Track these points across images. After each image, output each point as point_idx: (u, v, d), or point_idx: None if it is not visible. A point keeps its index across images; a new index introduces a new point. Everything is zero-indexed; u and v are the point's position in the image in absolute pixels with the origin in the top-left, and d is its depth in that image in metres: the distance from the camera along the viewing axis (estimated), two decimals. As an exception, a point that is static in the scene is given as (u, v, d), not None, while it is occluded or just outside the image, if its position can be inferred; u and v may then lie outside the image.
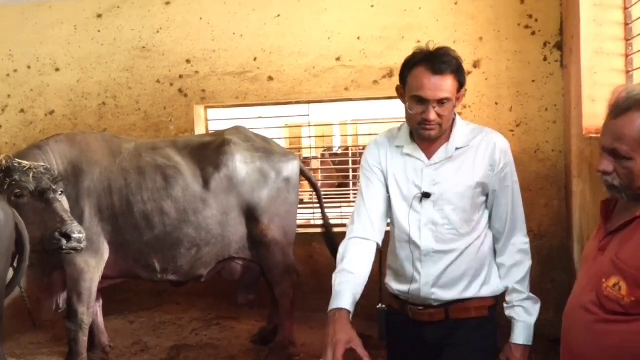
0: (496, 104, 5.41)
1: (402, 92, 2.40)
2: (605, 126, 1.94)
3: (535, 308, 2.41)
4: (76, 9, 5.97)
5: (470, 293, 2.42)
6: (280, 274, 4.92)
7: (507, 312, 2.42)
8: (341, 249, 2.38)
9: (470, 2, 5.56)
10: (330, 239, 5.11)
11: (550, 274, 5.20)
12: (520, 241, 2.47)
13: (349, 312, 2.14)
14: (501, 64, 5.50)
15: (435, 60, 2.28)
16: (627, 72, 4.50)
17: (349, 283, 2.22)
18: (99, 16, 5.93)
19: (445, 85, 2.27)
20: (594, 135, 4.38)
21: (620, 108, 1.85)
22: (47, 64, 6.00)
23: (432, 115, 2.28)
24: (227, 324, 5.39)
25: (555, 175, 5.39)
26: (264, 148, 4.99)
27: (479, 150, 2.41)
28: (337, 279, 2.25)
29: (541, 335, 4.61)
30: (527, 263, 2.45)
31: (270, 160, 4.87)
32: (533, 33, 5.47)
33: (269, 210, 4.80)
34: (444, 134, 2.38)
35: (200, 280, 4.77)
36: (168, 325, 5.33)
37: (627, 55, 4.55)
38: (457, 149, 2.40)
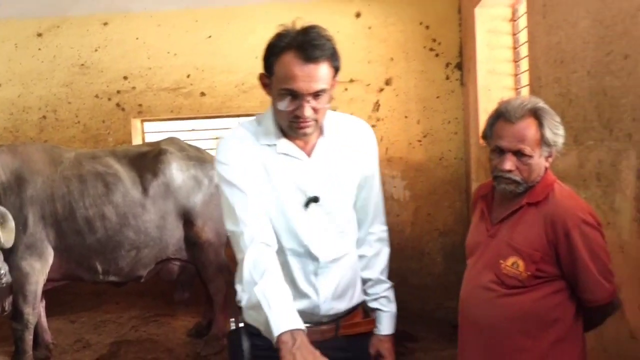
0: (405, 117, 5.84)
1: (267, 81, 1.96)
2: (501, 131, 2.14)
3: (393, 295, 2.21)
4: (17, 27, 6.07)
5: (356, 299, 2.12)
6: (213, 272, 5.11)
7: (372, 305, 2.18)
8: (251, 255, 1.82)
9: (382, 27, 5.98)
10: None
11: (454, 267, 5.52)
12: (379, 229, 2.21)
13: (304, 331, 1.65)
14: (410, 82, 5.92)
15: (308, 45, 1.84)
16: (516, 89, 5.08)
17: (287, 298, 1.74)
18: (39, 35, 6.05)
19: (320, 74, 1.84)
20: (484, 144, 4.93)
21: (516, 116, 2.10)
22: (-12, 80, 6.07)
23: (308, 112, 1.87)
24: (164, 320, 5.56)
25: (457, 180, 5.85)
26: (197, 157, 5.18)
27: (355, 141, 2.09)
28: (274, 294, 1.71)
29: (446, 320, 5.08)
30: (386, 250, 2.23)
31: (203, 168, 5.08)
32: (437, 55, 5.93)
33: (203, 214, 4.99)
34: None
35: (140, 280, 4.91)
36: (108, 323, 5.46)
37: (515, 75, 5.13)
38: (333, 141, 2.04)
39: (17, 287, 4.41)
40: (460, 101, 5.89)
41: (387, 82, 6.00)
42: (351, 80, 5.93)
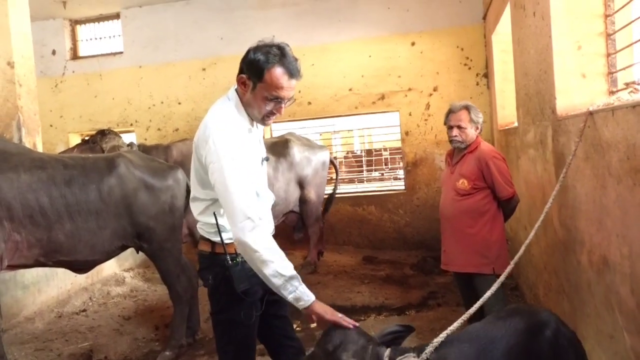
0: (448, 113, 7.14)
1: (249, 82, 2.12)
2: (450, 117, 3.50)
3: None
4: (189, 65, 7.87)
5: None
6: (313, 221, 6.39)
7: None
8: (270, 242, 2.03)
9: (430, 51, 7.22)
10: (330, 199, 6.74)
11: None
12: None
13: None
14: (450, 88, 7.15)
15: (291, 64, 2.08)
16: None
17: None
18: (204, 69, 7.87)
19: (294, 87, 2.13)
20: (503, 129, 6.09)
21: (456, 109, 3.49)
22: None
23: (282, 111, 2.17)
24: (288, 252, 7.10)
25: (487, 155, 7.04)
26: (308, 144, 6.42)
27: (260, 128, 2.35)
28: (300, 279, 2.03)
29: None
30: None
31: (311, 152, 6.28)
32: (469, 68, 7.14)
33: (310, 182, 6.22)
34: None
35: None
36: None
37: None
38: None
39: None
40: (487, 100, 7.03)
41: (435, 89, 7.28)
42: (409, 89, 7.33)
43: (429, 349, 1.91)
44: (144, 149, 5.85)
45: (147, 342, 4.58)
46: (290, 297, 2.02)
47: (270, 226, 2.30)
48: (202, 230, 2.31)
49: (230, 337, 2.27)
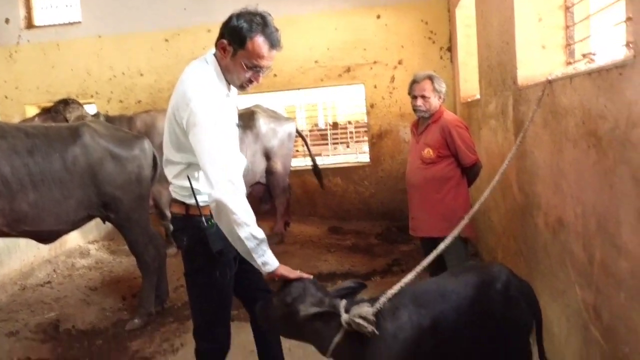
0: (412, 86, 7.22)
1: (229, 48, 2.12)
2: (414, 87, 3.56)
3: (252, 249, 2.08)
4: (151, 36, 7.68)
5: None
6: (280, 192, 6.41)
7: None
8: (247, 205, 2.07)
9: (395, 25, 7.26)
10: (317, 172, 6.84)
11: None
12: None
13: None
14: (415, 61, 7.21)
15: (272, 34, 2.10)
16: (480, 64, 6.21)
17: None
18: (166, 40, 7.71)
19: (274, 57, 2.14)
20: (466, 101, 6.22)
21: (420, 79, 3.55)
22: None
23: (260, 80, 2.18)
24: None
25: (449, 128, 7.19)
26: (274, 116, 6.40)
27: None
28: (266, 241, 2.09)
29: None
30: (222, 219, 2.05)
31: (278, 123, 6.27)
32: (433, 42, 7.22)
33: (276, 153, 6.24)
34: None
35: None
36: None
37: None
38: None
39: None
40: (451, 74, 7.11)
41: (400, 62, 7.35)
42: (375, 62, 7.39)
43: (383, 299, 2.01)
44: (107, 119, 5.74)
45: (114, 311, 4.57)
46: (259, 261, 2.06)
47: (243, 189, 2.34)
48: (175, 193, 2.32)
49: (206, 298, 2.31)
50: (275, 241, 6.42)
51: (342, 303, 2.03)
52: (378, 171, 7.55)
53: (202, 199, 2.21)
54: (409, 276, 2.14)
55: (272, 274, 2.09)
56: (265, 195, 6.72)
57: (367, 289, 2.23)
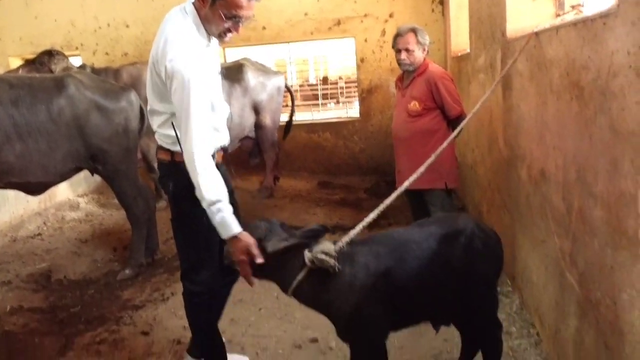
0: (403, 40, 7.13)
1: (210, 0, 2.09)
2: (398, 41, 3.52)
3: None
4: None
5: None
6: (268, 146, 6.38)
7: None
8: (213, 174, 2.07)
9: None
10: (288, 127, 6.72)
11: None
12: None
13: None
14: (406, 15, 7.08)
15: None
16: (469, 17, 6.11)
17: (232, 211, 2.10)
18: None
19: (253, 7, 2.13)
20: (456, 55, 6.17)
21: (403, 32, 3.51)
22: None
23: (240, 30, 2.17)
24: (246, 177, 7.24)
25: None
26: (262, 69, 6.32)
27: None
28: (227, 209, 2.07)
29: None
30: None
31: (266, 77, 6.21)
32: None
33: (265, 108, 6.18)
34: None
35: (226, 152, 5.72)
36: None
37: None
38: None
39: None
40: (442, 28, 7.03)
41: (391, 16, 7.22)
42: (365, 15, 7.26)
43: (345, 240, 2.08)
44: (93, 72, 5.64)
45: (105, 262, 4.64)
46: (215, 221, 2.09)
47: (225, 137, 2.38)
48: (160, 140, 2.35)
49: (192, 242, 2.36)
50: (265, 195, 6.48)
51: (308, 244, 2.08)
52: (368, 126, 7.55)
53: None
54: (371, 216, 2.22)
55: (230, 243, 2.10)
56: (254, 149, 6.71)
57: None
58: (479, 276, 2.17)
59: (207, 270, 2.40)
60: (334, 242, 2.09)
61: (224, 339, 2.72)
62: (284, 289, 2.13)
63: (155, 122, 2.31)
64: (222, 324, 3.29)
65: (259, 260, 2.05)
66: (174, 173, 2.28)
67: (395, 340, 3.04)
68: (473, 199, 5.04)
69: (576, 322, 2.27)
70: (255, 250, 2.05)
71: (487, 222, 4.14)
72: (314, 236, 2.15)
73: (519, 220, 3.25)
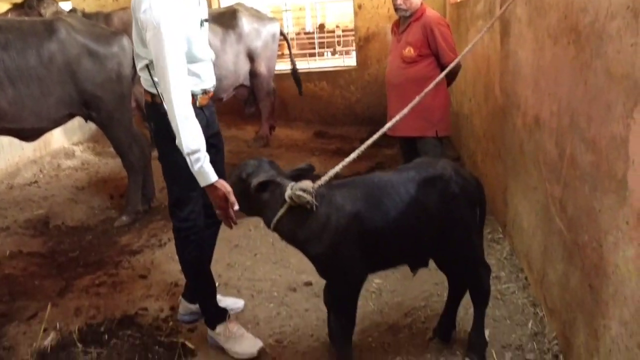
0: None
1: None
2: None
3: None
4: None
5: None
6: (264, 95, 6.28)
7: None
8: (192, 124, 2.09)
9: None
10: (296, 77, 6.72)
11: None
12: None
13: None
14: None
15: None
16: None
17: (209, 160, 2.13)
18: None
19: None
20: (455, 2, 6.05)
21: None
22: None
23: None
24: (241, 126, 7.23)
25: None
26: (257, 15, 6.17)
27: None
28: (205, 159, 2.11)
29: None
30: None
31: (261, 23, 6.08)
32: None
33: (260, 55, 6.08)
34: None
35: (222, 101, 5.69)
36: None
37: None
38: None
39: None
40: None
41: (389, -40, 7.05)
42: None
43: (323, 179, 2.13)
44: (84, 16, 5.50)
45: (102, 210, 4.68)
46: (193, 170, 2.14)
47: (211, 82, 2.42)
48: (142, 82, 2.40)
49: (175, 179, 2.44)
50: (261, 144, 6.48)
51: (291, 182, 2.15)
52: (364, 75, 7.47)
53: None
54: (352, 156, 2.24)
55: (208, 190, 2.16)
56: (249, 98, 6.65)
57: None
58: (455, 221, 2.18)
59: (191, 206, 2.47)
60: (313, 182, 2.14)
61: (219, 283, 2.78)
62: (267, 224, 2.20)
63: (138, 65, 2.37)
64: (219, 268, 3.40)
65: (236, 207, 2.13)
66: (155, 113, 2.35)
67: (388, 284, 3.13)
68: (468, 149, 5.05)
69: (563, 265, 2.33)
70: (232, 198, 2.12)
71: (481, 172, 4.18)
72: (302, 175, 2.21)
73: (512, 168, 3.27)
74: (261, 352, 2.55)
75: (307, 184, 2.10)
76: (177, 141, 2.09)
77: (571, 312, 2.23)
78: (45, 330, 2.78)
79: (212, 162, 2.16)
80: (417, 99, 2.51)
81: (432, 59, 3.55)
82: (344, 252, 2.11)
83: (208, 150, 2.16)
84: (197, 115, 2.14)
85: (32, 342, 2.72)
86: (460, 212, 2.19)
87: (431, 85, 2.60)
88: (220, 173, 2.26)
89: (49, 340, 2.55)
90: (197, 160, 2.10)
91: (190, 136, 2.08)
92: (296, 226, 2.14)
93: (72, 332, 2.60)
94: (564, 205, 2.30)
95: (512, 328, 2.62)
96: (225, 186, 2.13)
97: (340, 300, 2.25)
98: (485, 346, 2.40)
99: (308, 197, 2.05)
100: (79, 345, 2.50)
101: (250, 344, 2.55)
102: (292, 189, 2.08)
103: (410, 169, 2.28)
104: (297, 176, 2.21)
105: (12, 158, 5.52)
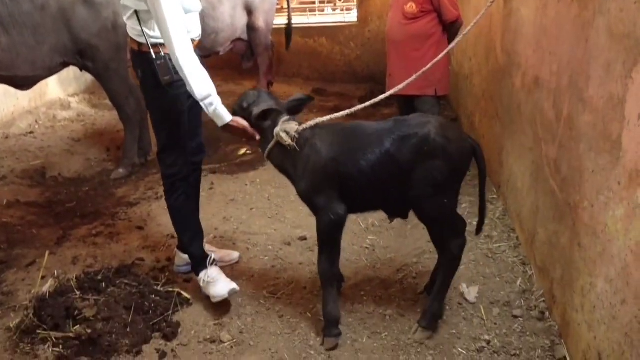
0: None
1: None
2: None
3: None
4: None
5: None
6: (262, 49, 6.13)
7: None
8: (199, 72, 2.18)
9: None
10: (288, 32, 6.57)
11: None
12: None
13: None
14: None
15: None
16: None
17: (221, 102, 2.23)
18: None
19: None
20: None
21: None
22: None
23: None
24: (238, 81, 7.15)
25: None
26: None
27: None
28: (217, 101, 2.21)
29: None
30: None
31: None
32: None
33: (259, 8, 5.87)
34: None
35: (219, 54, 5.52)
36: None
37: None
38: None
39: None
40: None
41: None
42: None
43: (309, 124, 2.29)
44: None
45: (99, 162, 4.69)
46: (209, 114, 2.25)
47: (197, 32, 2.45)
48: (129, 31, 2.42)
49: (161, 126, 2.51)
50: (258, 100, 6.40)
51: (284, 118, 2.30)
52: (365, 32, 7.34)
53: (152, 39, 2.32)
54: (341, 113, 2.41)
55: (225, 129, 2.31)
56: (247, 52, 6.50)
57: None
58: (425, 180, 2.17)
59: (177, 152, 2.54)
60: (300, 124, 2.28)
61: (215, 236, 2.81)
62: (263, 152, 2.38)
63: (124, 13, 2.39)
64: (215, 222, 3.44)
65: (257, 137, 2.32)
66: (141, 61, 2.38)
67: (381, 241, 3.18)
68: (466, 110, 5.03)
69: (554, 225, 2.36)
70: (250, 130, 2.31)
71: (479, 133, 4.18)
72: (299, 105, 2.39)
73: (509, 128, 3.27)
74: (232, 294, 2.56)
75: (291, 126, 2.25)
76: (188, 89, 2.18)
77: (559, 270, 2.28)
78: (43, 277, 2.83)
79: (194, 111, 2.28)
80: (428, 66, 2.58)
81: (434, 16, 3.50)
82: (322, 191, 2.25)
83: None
84: None
85: (30, 288, 2.78)
86: (433, 173, 2.16)
87: (441, 55, 2.64)
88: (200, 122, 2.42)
89: (47, 287, 2.60)
90: (211, 104, 2.20)
91: (200, 83, 2.17)
92: (284, 159, 2.33)
93: (70, 279, 2.65)
94: (558, 166, 2.31)
95: (501, 285, 2.68)
96: (240, 121, 2.29)
97: (321, 235, 2.32)
98: (440, 317, 2.38)
99: (288, 141, 2.22)
100: (77, 292, 2.55)
101: (222, 286, 2.57)
102: (280, 128, 2.25)
103: (392, 122, 2.30)
104: (294, 107, 2.38)
105: (7, 107, 5.47)
